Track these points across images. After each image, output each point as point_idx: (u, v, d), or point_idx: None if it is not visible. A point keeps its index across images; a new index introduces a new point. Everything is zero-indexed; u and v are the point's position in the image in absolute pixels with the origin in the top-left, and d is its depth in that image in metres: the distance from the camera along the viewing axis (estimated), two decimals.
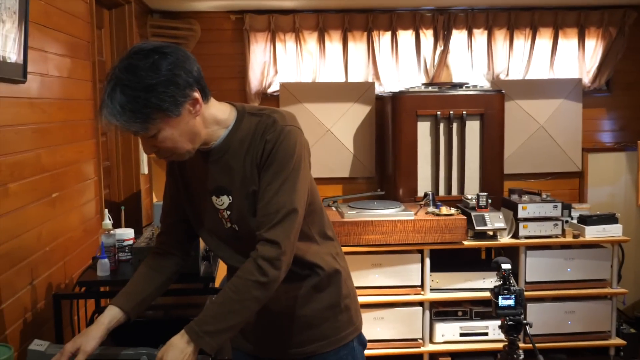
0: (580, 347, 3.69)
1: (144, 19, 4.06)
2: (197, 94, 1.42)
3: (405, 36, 4.47)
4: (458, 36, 4.49)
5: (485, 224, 3.52)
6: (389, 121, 4.12)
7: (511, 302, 2.46)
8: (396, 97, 3.99)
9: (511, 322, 2.45)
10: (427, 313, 3.58)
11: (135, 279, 1.65)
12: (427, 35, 4.47)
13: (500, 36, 4.50)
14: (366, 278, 3.53)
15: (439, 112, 3.91)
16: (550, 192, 3.85)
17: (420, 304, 3.58)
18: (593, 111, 4.68)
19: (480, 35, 4.50)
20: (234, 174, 1.52)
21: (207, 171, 1.55)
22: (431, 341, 3.59)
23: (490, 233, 3.61)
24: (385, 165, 4.37)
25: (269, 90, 4.47)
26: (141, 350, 1.57)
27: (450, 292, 3.59)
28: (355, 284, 1.79)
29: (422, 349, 3.56)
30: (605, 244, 3.68)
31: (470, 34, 4.48)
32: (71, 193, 2.56)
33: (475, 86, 4.07)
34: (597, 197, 4.55)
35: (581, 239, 3.62)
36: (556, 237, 3.64)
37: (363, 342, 1.73)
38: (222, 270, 2.19)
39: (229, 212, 1.55)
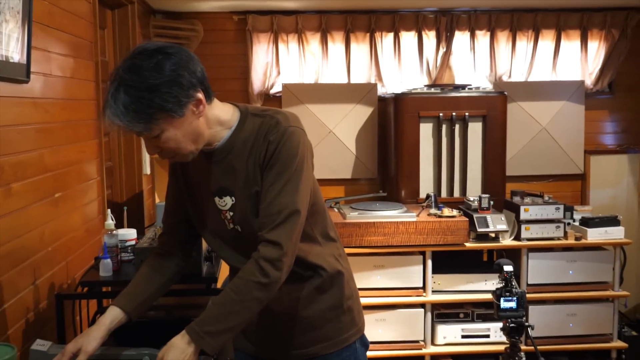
0: (581, 349, 3.68)
1: (146, 19, 4.07)
2: (200, 95, 1.42)
3: (408, 37, 4.47)
4: (460, 37, 4.49)
5: (487, 226, 3.51)
6: (392, 122, 4.12)
7: (513, 305, 2.45)
8: (399, 98, 3.98)
9: (513, 324, 2.44)
10: (429, 315, 3.57)
11: (136, 279, 1.65)
12: (429, 37, 4.47)
13: (503, 38, 4.50)
14: (368, 279, 3.52)
15: (441, 114, 3.91)
16: (552, 194, 3.85)
17: (422, 305, 3.58)
18: (595, 113, 4.68)
19: (482, 37, 4.50)
20: (237, 175, 1.52)
21: (210, 172, 1.55)
22: (433, 343, 3.59)
23: (492, 235, 3.60)
24: (387, 166, 4.36)
25: (272, 91, 4.47)
26: (143, 351, 1.57)
27: (452, 294, 3.59)
28: (357, 286, 1.79)
29: (424, 350, 3.56)
30: (607, 246, 3.67)
31: (472, 36, 4.48)
32: (74, 193, 2.56)
33: (477, 88, 4.06)
34: (599, 200, 4.55)
35: (583, 241, 3.62)
36: (558, 239, 3.63)
37: (365, 344, 1.73)
38: (224, 271, 2.19)
39: (231, 213, 1.55)
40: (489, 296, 2.60)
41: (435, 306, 3.62)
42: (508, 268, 2.48)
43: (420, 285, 3.55)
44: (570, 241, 3.62)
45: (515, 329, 2.44)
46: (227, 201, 1.54)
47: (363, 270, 3.50)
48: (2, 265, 1.88)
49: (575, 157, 4.59)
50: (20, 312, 2.01)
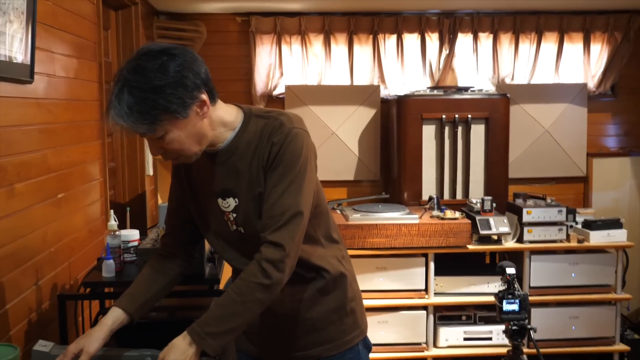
0: (584, 352, 3.68)
1: (150, 20, 4.07)
2: (204, 96, 1.42)
3: (411, 39, 4.47)
4: (463, 40, 4.49)
5: (490, 228, 3.51)
6: (394, 124, 4.12)
7: (515, 307, 2.45)
8: (401, 100, 3.98)
9: (515, 327, 2.44)
10: (431, 317, 3.57)
11: (139, 280, 1.65)
12: (432, 39, 4.47)
13: (506, 40, 4.50)
14: (370, 281, 3.52)
15: (444, 116, 3.91)
16: (555, 197, 3.84)
17: (424, 308, 3.57)
18: (598, 116, 4.67)
19: (485, 39, 4.50)
20: (240, 176, 1.52)
21: (213, 173, 1.55)
22: (435, 345, 3.59)
23: (495, 237, 3.60)
24: (390, 168, 4.36)
25: (275, 93, 4.47)
26: (145, 352, 1.57)
27: (454, 296, 3.58)
28: (359, 287, 1.79)
29: (426, 353, 3.56)
30: (610, 249, 3.67)
31: (475, 38, 4.48)
32: (77, 194, 2.56)
33: (480, 90, 4.06)
34: (601, 202, 4.54)
35: (586, 244, 3.61)
36: (561, 241, 3.63)
37: (368, 346, 1.73)
38: (227, 272, 2.19)
39: (234, 215, 1.55)
40: (492, 299, 2.61)
41: (438, 308, 3.61)
42: (510, 270, 2.48)
43: (423, 287, 3.55)
44: (573, 244, 3.62)
45: (518, 331, 2.44)
46: (230, 202, 1.54)
47: (365, 272, 3.50)
48: (5, 265, 1.88)
49: (578, 160, 4.58)
50: (23, 313, 2.01)
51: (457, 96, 3.96)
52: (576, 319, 3.64)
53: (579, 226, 3.71)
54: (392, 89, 4.46)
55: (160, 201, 3.93)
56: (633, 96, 4.68)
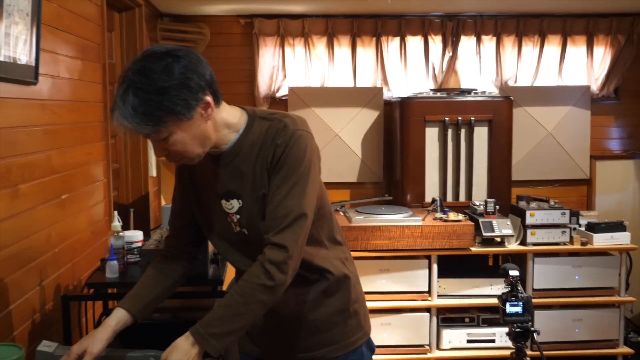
0: (587, 355, 3.67)
1: (154, 22, 4.08)
2: (209, 98, 1.42)
3: (414, 42, 4.47)
4: (466, 42, 4.49)
5: (493, 231, 3.51)
6: (397, 126, 4.12)
7: (519, 309, 2.45)
8: (404, 102, 3.99)
9: (519, 329, 2.44)
10: (434, 319, 3.56)
11: (142, 281, 1.65)
12: (435, 41, 4.47)
13: (509, 43, 4.50)
14: (373, 283, 3.52)
15: (447, 118, 3.91)
16: (558, 199, 3.84)
17: (428, 310, 3.57)
18: (601, 118, 4.67)
19: (488, 42, 4.50)
20: (244, 178, 1.52)
21: (217, 175, 1.55)
22: (438, 347, 3.58)
23: (498, 239, 3.60)
24: (393, 170, 4.36)
25: (278, 95, 4.48)
26: (149, 353, 1.57)
27: (457, 298, 3.58)
28: (363, 289, 1.79)
29: (429, 355, 3.55)
30: (613, 251, 3.66)
31: (478, 40, 4.48)
32: (80, 195, 2.57)
33: (483, 92, 4.06)
34: (605, 205, 4.53)
35: (589, 246, 3.61)
36: (564, 244, 3.62)
37: (372, 347, 1.73)
38: (230, 273, 2.20)
39: (238, 216, 1.55)
40: (495, 301, 2.60)
41: (441, 310, 3.61)
42: (514, 273, 2.47)
43: (426, 289, 3.55)
44: (576, 246, 3.61)
45: (521, 334, 2.43)
46: (234, 204, 1.54)
47: (368, 274, 3.50)
48: (9, 266, 1.89)
49: (581, 162, 4.57)
50: (27, 313, 2.02)
51: (460, 98, 3.96)
52: (580, 322, 3.64)
53: (583, 229, 3.71)
54: (395, 91, 4.47)
55: (163, 202, 3.94)
56: (636, 99, 4.68)
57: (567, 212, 3.59)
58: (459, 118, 3.91)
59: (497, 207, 3.61)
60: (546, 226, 3.59)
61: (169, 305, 2.26)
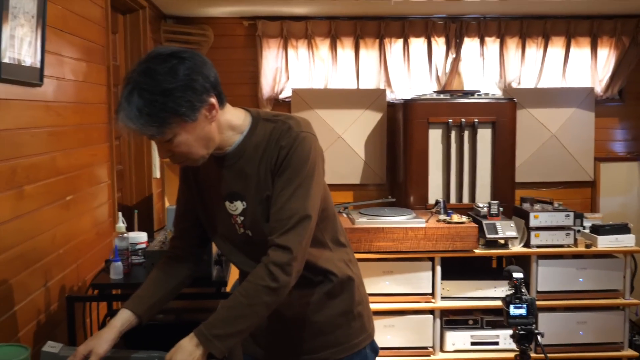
0: (592, 358, 3.65)
1: (157, 24, 4.09)
2: (213, 100, 1.43)
3: (417, 43, 4.48)
4: (470, 44, 4.49)
5: (497, 233, 3.50)
6: (400, 128, 4.12)
7: (523, 312, 2.44)
8: (408, 104, 3.99)
9: (523, 332, 2.44)
10: (438, 321, 3.56)
11: (148, 282, 1.66)
12: (439, 43, 4.48)
13: (513, 44, 4.50)
14: (377, 285, 3.52)
15: (450, 120, 3.91)
16: (562, 201, 3.83)
17: (431, 312, 3.56)
18: (605, 120, 4.66)
19: (492, 43, 4.50)
20: (248, 180, 1.52)
21: (221, 176, 1.55)
22: (441, 350, 3.57)
23: (502, 242, 3.59)
24: (396, 172, 4.36)
25: (281, 96, 4.48)
26: (153, 354, 1.57)
27: (461, 300, 3.57)
28: (366, 291, 1.78)
29: (433, 357, 3.54)
30: (618, 254, 3.65)
31: (482, 42, 4.48)
32: (85, 196, 2.57)
33: (487, 94, 4.06)
34: (609, 207, 4.52)
35: (593, 248, 3.60)
36: (568, 246, 3.61)
37: (375, 349, 1.73)
38: (233, 274, 2.20)
39: (242, 218, 1.55)
40: (499, 303, 2.60)
41: (444, 312, 3.60)
42: (518, 275, 2.47)
43: (429, 291, 3.54)
44: (581, 248, 3.61)
45: (525, 336, 2.43)
46: (238, 206, 1.54)
47: (372, 276, 3.50)
48: (14, 267, 1.89)
49: (585, 164, 4.57)
50: (32, 314, 2.02)
51: (463, 100, 3.96)
52: (584, 324, 3.62)
53: (587, 231, 3.70)
54: (399, 92, 4.47)
55: (167, 204, 3.95)
56: None
57: (571, 214, 3.58)
58: (463, 120, 3.90)
59: (501, 209, 3.61)
60: (550, 228, 3.58)
61: (173, 307, 2.26)
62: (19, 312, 1.92)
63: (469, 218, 3.61)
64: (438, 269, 3.52)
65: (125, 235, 2.32)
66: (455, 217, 3.56)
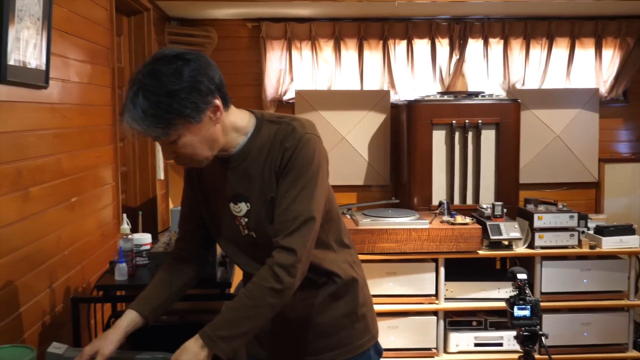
0: (596, 359, 3.65)
1: (162, 26, 4.10)
2: (218, 101, 1.43)
3: (421, 45, 4.48)
4: (474, 45, 4.49)
5: (501, 234, 3.50)
6: (404, 129, 4.12)
7: (527, 313, 2.44)
8: (411, 105, 3.99)
9: (527, 333, 2.43)
10: (442, 322, 3.55)
11: (153, 284, 1.66)
12: (442, 44, 4.48)
13: (517, 45, 4.49)
14: (380, 286, 3.52)
15: (454, 121, 3.91)
16: (566, 203, 3.82)
17: (435, 313, 3.56)
18: (610, 121, 4.65)
19: (496, 45, 4.50)
20: (252, 181, 1.52)
21: (225, 178, 1.56)
22: (445, 351, 3.57)
23: (506, 243, 3.59)
24: (400, 173, 4.36)
25: (285, 98, 4.49)
26: (157, 355, 1.58)
27: (464, 301, 3.57)
28: (370, 292, 1.79)
29: (436, 358, 3.54)
30: (622, 255, 3.64)
31: (486, 43, 4.48)
32: (89, 198, 2.58)
33: (491, 95, 4.06)
34: (613, 208, 4.51)
35: (598, 250, 3.59)
36: (572, 247, 3.61)
37: (379, 351, 1.73)
38: (238, 276, 2.20)
39: (246, 219, 1.55)
40: (502, 304, 2.59)
41: (448, 314, 3.60)
42: (522, 276, 2.47)
43: (433, 292, 3.54)
44: (585, 250, 3.60)
45: (529, 337, 2.43)
46: (242, 207, 1.55)
47: (375, 277, 3.50)
48: (19, 268, 1.90)
49: (590, 165, 4.56)
50: (37, 315, 2.03)
51: (467, 101, 3.96)
52: (588, 326, 3.62)
53: (591, 232, 3.69)
54: (402, 94, 4.47)
55: (171, 205, 3.96)
56: None
57: (576, 215, 3.58)
58: (466, 121, 3.90)
59: (505, 210, 3.60)
60: (554, 229, 3.57)
61: (177, 308, 2.27)
62: (25, 314, 1.93)
63: (472, 219, 3.61)
64: (442, 270, 3.52)
65: (129, 236, 2.33)
66: (459, 218, 3.56)
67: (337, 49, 4.43)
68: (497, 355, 3.56)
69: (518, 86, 4.52)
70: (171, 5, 3.89)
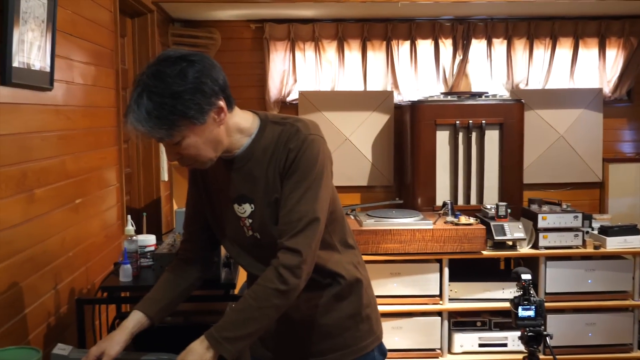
0: (601, 359, 3.64)
1: (165, 28, 4.11)
2: (222, 103, 1.43)
3: (425, 45, 4.47)
4: (477, 45, 4.49)
5: (505, 234, 3.49)
6: (408, 130, 4.12)
7: (531, 313, 2.43)
8: (415, 106, 3.99)
9: (531, 333, 2.42)
10: (446, 323, 3.55)
11: (159, 285, 1.67)
12: (446, 45, 4.47)
13: (520, 46, 4.49)
14: (384, 287, 3.52)
15: (458, 122, 3.90)
16: (570, 203, 3.81)
17: (439, 313, 3.56)
18: (614, 121, 4.64)
19: (499, 45, 4.49)
20: (256, 182, 1.52)
21: (229, 179, 1.56)
22: (449, 351, 3.57)
23: (510, 243, 3.58)
24: (403, 174, 4.36)
25: (288, 99, 4.49)
26: (162, 356, 1.58)
27: (469, 302, 3.57)
28: (374, 293, 1.78)
29: (441, 359, 3.54)
30: (627, 255, 3.63)
31: (489, 44, 4.48)
32: (94, 199, 2.59)
33: (494, 95, 4.05)
34: (617, 208, 4.50)
35: (602, 250, 3.58)
36: (577, 247, 3.60)
37: (383, 352, 1.73)
38: (242, 277, 2.20)
39: (250, 220, 1.55)
40: (507, 305, 2.59)
41: (452, 314, 3.60)
42: (526, 276, 2.46)
43: (437, 293, 3.54)
44: (589, 250, 3.59)
45: (534, 338, 2.42)
46: (246, 208, 1.55)
47: (379, 278, 3.50)
48: (24, 270, 1.91)
49: (594, 165, 4.55)
50: (42, 317, 2.04)
51: (471, 102, 3.95)
52: (593, 326, 3.61)
53: (595, 232, 3.68)
54: (406, 94, 4.47)
55: (175, 207, 3.96)
56: None
57: (580, 215, 3.57)
58: (470, 121, 3.90)
59: (509, 210, 3.60)
60: (558, 230, 3.56)
61: (182, 309, 2.27)
62: (29, 315, 1.94)
63: (476, 220, 3.61)
64: (446, 270, 3.51)
65: (134, 238, 2.33)
66: (463, 219, 3.55)
67: (341, 49, 4.43)
68: (502, 356, 3.55)
69: (522, 86, 4.51)
70: (175, 7, 3.90)
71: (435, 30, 4.44)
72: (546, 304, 3.13)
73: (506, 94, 4.41)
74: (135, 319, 1.58)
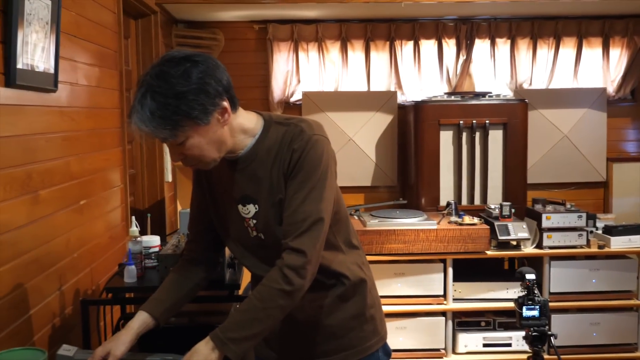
0: (605, 359, 3.63)
1: (169, 29, 4.12)
2: (226, 103, 1.43)
3: (428, 45, 4.47)
4: (481, 45, 4.48)
5: (509, 234, 3.49)
6: (411, 130, 4.12)
7: (535, 313, 2.43)
8: (419, 106, 3.98)
9: (535, 333, 2.42)
10: (450, 323, 3.55)
11: (164, 285, 1.67)
12: (449, 45, 4.47)
13: (524, 45, 4.48)
14: (388, 287, 3.52)
15: (461, 121, 3.90)
16: (574, 202, 3.81)
17: (443, 313, 3.56)
18: (618, 120, 4.63)
19: (503, 45, 4.49)
20: (260, 183, 1.52)
21: (233, 180, 1.56)
22: (454, 351, 3.57)
23: (514, 243, 3.58)
24: (407, 174, 4.36)
25: (292, 99, 4.50)
26: (167, 357, 1.58)
27: (473, 302, 3.56)
28: (378, 294, 1.78)
29: (445, 359, 3.54)
30: (631, 255, 3.63)
31: (493, 43, 4.47)
32: (98, 200, 2.60)
33: (498, 95, 4.05)
34: (622, 208, 4.49)
35: (606, 249, 3.58)
36: (581, 247, 3.59)
37: (388, 352, 1.73)
38: (246, 277, 2.21)
39: (254, 221, 1.56)
40: (511, 304, 2.59)
41: (456, 314, 3.60)
42: (530, 276, 2.46)
43: (441, 293, 3.54)
44: (593, 249, 3.59)
45: (538, 337, 2.42)
46: (251, 209, 1.55)
47: (383, 278, 3.50)
48: (29, 271, 1.91)
49: (598, 165, 4.54)
50: (47, 318, 2.04)
51: (474, 102, 3.95)
52: (597, 326, 3.60)
53: (600, 232, 3.68)
54: (409, 94, 4.47)
55: (179, 207, 3.97)
56: None
57: (584, 215, 3.56)
58: (474, 121, 3.90)
59: (513, 210, 3.59)
60: (562, 229, 3.56)
61: (186, 310, 2.27)
62: (34, 316, 1.94)
63: (480, 220, 3.60)
64: (450, 270, 3.51)
65: (138, 239, 2.33)
66: (467, 219, 3.55)
67: (344, 50, 4.43)
68: (506, 356, 3.55)
69: (525, 86, 4.51)
70: (178, 8, 3.91)
71: (439, 30, 4.43)
72: (550, 304, 3.13)
73: (510, 94, 4.41)
74: (141, 320, 1.58)
